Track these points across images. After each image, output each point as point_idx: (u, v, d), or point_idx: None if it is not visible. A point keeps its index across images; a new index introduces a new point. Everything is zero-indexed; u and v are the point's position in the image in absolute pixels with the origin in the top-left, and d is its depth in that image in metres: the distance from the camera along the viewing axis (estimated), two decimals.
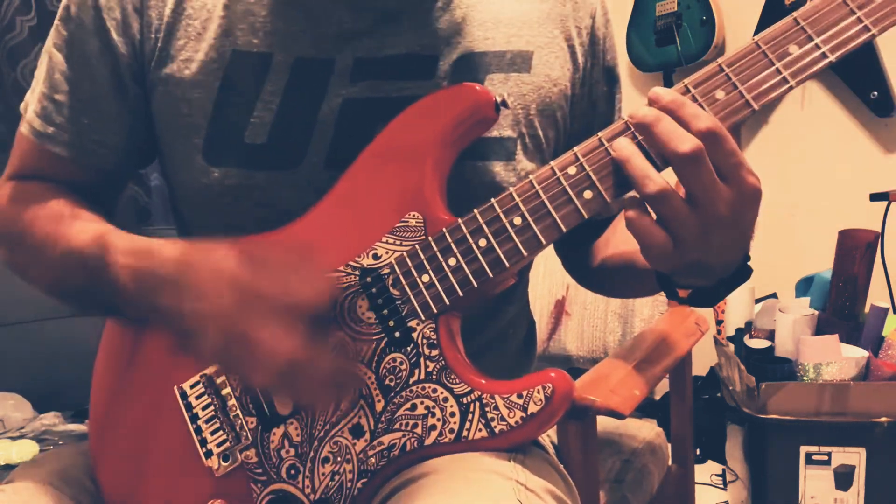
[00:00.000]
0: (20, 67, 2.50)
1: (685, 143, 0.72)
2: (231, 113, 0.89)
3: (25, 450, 1.94)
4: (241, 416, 0.86)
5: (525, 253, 0.81)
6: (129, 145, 0.95)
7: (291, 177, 0.89)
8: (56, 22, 0.93)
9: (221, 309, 0.75)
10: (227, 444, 0.86)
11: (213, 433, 0.87)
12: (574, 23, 1.00)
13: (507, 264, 0.81)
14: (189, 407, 0.88)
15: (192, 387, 0.88)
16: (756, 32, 2.49)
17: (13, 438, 2.10)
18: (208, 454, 0.86)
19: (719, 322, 2.13)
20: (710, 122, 0.73)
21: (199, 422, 0.87)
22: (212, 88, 0.89)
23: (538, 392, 0.80)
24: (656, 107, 0.76)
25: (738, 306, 2.07)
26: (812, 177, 2.60)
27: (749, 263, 0.84)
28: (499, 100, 0.85)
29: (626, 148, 0.76)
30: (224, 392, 0.87)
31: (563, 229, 0.81)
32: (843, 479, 1.80)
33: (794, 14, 0.78)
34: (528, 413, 0.80)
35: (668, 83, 2.84)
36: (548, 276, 1.72)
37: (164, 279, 0.79)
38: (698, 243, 0.76)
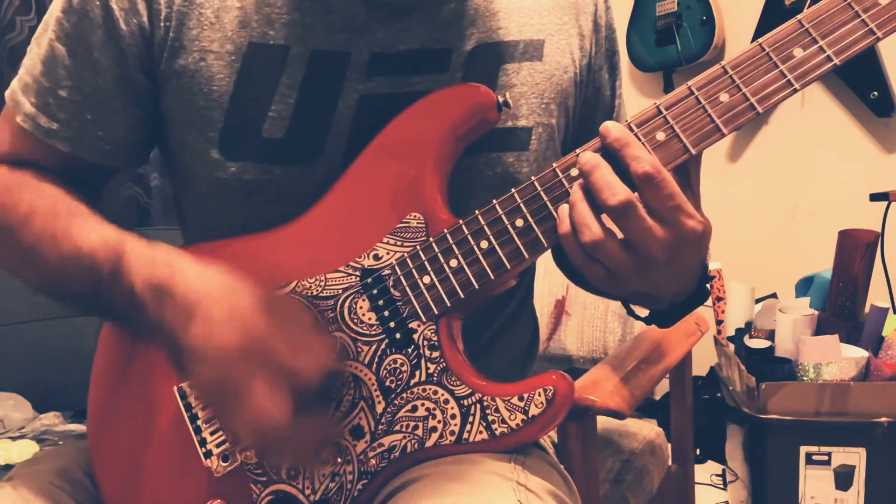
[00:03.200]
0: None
1: (615, 196, 0.75)
2: (248, 106, 0.88)
3: (25, 450, 1.94)
4: None
5: (527, 255, 0.81)
6: (133, 140, 0.93)
7: (308, 172, 0.89)
8: (58, 14, 0.89)
9: (226, 351, 0.75)
10: (227, 444, 0.86)
11: (212, 433, 0.86)
12: (581, 9, 1.00)
13: (508, 266, 0.81)
14: (188, 407, 0.87)
15: (191, 386, 0.88)
16: (756, 33, 2.51)
17: (13, 438, 2.10)
18: (208, 454, 0.86)
19: (719, 322, 2.13)
20: (648, 167, 0.75)
21: (199, 422, 0.87)
22: (228, 81, 0.87)
23: (539, 395, 0.80)
24: (604, 143, 0.78)
25: (738, 306, 2.07)
26: (812, 177, 2.60)
27: (709, 285, 0.88)
28: (500, 100, 0.85)
29: (575, 194, 0.78)
30: None
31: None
32: (843, 479, 1.80)
33: (799, 17, 0.79)
34: (529, 416, 0.80)
35: (668, 83, 2.84)
36: (548, 276, 1.72)
37: (180, 301, 0.77)
38: (636, 280, 0.78)
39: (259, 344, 0.75)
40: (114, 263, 0.81)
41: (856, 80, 2.40)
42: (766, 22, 2.49)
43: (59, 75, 0.89)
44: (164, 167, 0.99)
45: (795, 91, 0.78)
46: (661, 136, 0.79)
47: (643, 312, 0.97)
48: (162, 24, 0.88)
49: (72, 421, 2.29)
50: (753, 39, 2.47)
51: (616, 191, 0.75)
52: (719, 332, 2.12)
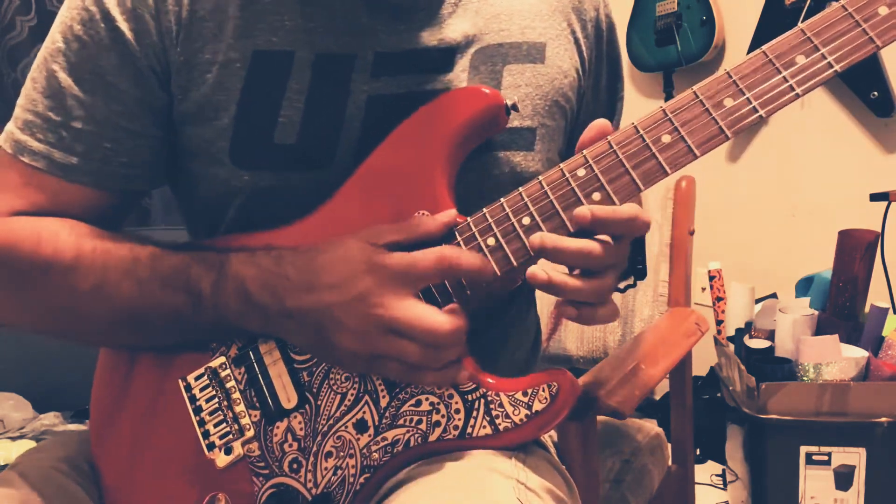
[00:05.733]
0: (20, 67, 2.50)
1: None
2: (257, 114, 0.87)
3: (25, 450, 1.94)
4: (244, 408, 0.87)
5: (532, 252, 0.82)
6: (157, 160, 0.91)
7: (322, 176, 0.88)
8: (58, 45, 0.87)
9: (361, 290, 0.78)
10: (230, 436, 0.86)
11: (216, 426, 0.87)
12: (580, 15, 1.01)
13: (514, 263, 0.82)
14: (193, 399, 0.88)
15: (196, 379, 0.88)
16: (756, 33, 2.51)
17: (13, 438, 2.10)
18: (210, 447, 0.87)
19: (719, 322, 2.13)
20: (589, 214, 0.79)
21: (203, 414, 0.87)
22: (235, 90, 0.86)
23: (543, 390, 0.81)
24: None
25: (738, 306, 2.07)
26: (812, 177, 2.60)
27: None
28: (509, 104, 0.86)
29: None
30: (228, 385, 0.87)
31: (571, 230, 0.81)
32: (843, 479, 1.80)
33: (801, 25, 0.81)
34: (533, 411, 0.81)
35: (669, 83, 2.85)
36: None
37: (297, 280, 0.80)
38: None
39: (385, 270, 0.78)
40: (216, 273, 0.83)
41: (856, 81, 2.40)
42: (766, 22, 2.49)
43: (68, 106, 0.86)
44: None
45: (798, 96, 0.81)
46: (666, 138, 0.81)
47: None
48: (172, 40, 0.86)
49: (72, 421, 2.29)
50: (753, 39, 2.50)
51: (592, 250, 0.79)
52: (719, 332, 2.12)
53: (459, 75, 0.91)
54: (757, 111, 0.80)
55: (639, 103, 2.92)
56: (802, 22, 0.82)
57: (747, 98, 0.80)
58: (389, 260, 0.78)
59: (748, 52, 0.82)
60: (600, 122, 0.83)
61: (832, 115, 2.52)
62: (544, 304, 1.70)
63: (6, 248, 0.86)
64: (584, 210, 0.79)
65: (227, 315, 0.83)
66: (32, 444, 1.99)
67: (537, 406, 0.81)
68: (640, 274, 1.01)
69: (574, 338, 1.66)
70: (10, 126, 0.89)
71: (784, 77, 0.80)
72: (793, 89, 0.80)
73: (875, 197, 2.10)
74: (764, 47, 0.81)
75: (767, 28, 2.46)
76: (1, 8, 2.50)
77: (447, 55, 0.91)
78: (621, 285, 1.02)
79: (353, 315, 0.78)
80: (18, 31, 2.51)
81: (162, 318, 0.85)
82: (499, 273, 0.82)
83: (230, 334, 0.87)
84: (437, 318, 0.77)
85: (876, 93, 2.37)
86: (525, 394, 0.81)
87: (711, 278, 2.15)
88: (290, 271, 0.81)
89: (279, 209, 0.88)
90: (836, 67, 0.79)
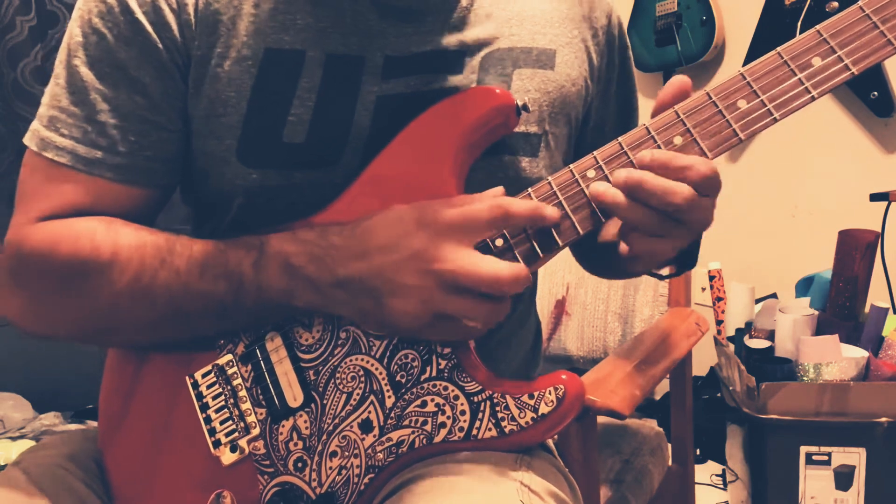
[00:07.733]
0: (20, 67, 2.49)
1: (679, 194, 0.77)
2: (267, 112, 0.87)
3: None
4: (250, 406, 0.87)
5: (541, 254, 0.82)
6: (181, 155, 0.90)
7: (329, 176, 0.88)
8: (78, 39, 0.86)
9: (416, 247, 0.77)
10: (236, 434, 0.86)
11: (222, 423, 0.87)
12: (590, 23, 1.01)
13: (523, 264, 0.82)
14: (200, 396, 0.88)
15: (203, 376, 0.88)
16: (756, 32, 2.51)
17: (13, 438, 2.10)
18: (216, 444, 0.87)
19: (719, 322, 2.13)
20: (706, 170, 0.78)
21: (209, 411, 0.88)
22: (245, 87, 0.86)
23: (550, 393, 0.80)
24: (644, 167, 0.79)
25: (738, 306, 2.08)
26: (812, 177, 2.60)
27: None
28: (520, 104, 0.85)
29: (637, 172, 0.79)
30: (235, 382, 0.87)
31: (581, 232, 0.82)
32: (843, 479, 1.80)
33: (818, 27, 0.80)
34: (539, 414, 0.81)
35: None
36: (548, 277, 1.72)
37: (346, 248, 0.79)
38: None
39: (438, 222, 0.77)
40: (257, 252, 0.82)
41: (856, 81, 2.39)
42: (766, 22, 2.48)
43: (92, 101, 0.86)
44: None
45: (813, 99, 0.79)
46: (678, 140, 0.80)
47: (664, 271, 1.02)
48: (192, 34, 0.86)
49: (72, 421, 2.29)
50: (753, 39, 2.50)
51: (677, 190, 0.77)
52: (719, 332, 2.12)
53: (469, 77, 0.91)
54: (772, 114, 0.79)
55: (640, 103, 2.92)
56: (802, 21, 0.81)
57: (761, 100, 0.79)
58: (442, 213, 0.77)
59: (748, 52, 0.82)
60: (679, 79, 0.83)
61: (832, 115, 2.52)
62: (544, 304, 1.70)
63: (46, 251, 0.85)
64: (645, 154, 0.79)
65: (271, 295, 0.82)
66: (32, 444, 1.99)
67: (543, 409, 0.80)
68: (690, 262, 1.00)
69: (574, 338, 1.66)
70: (36, 124, 0.88)
71: (800, 79, 0.79)
72: (808, 92, 0.79)
73: (875, 197, 2.10)
74: (779, 49, 0.80)
75: (767, 28, 2.46)
76: (1, 8, 2.49)
77: (457, 57, 0.91)
78: (663, 271, 1.03)
79: (411, 274, 0.76)
80: (18, 31, 2.50)
81: (203, 308, 0.84)
82: (556, 219, 0.81)
83: (273, 316, 0.86)
84: (499, 265, 0.76)
85: (876, 93, 2.36)
86: (531, 396, 0.81)
87: (711, 278, 2.16)
88: (337, 241, 0.80)
89: (282, 208, 0.88)
90: (853, 70, 0.79)
